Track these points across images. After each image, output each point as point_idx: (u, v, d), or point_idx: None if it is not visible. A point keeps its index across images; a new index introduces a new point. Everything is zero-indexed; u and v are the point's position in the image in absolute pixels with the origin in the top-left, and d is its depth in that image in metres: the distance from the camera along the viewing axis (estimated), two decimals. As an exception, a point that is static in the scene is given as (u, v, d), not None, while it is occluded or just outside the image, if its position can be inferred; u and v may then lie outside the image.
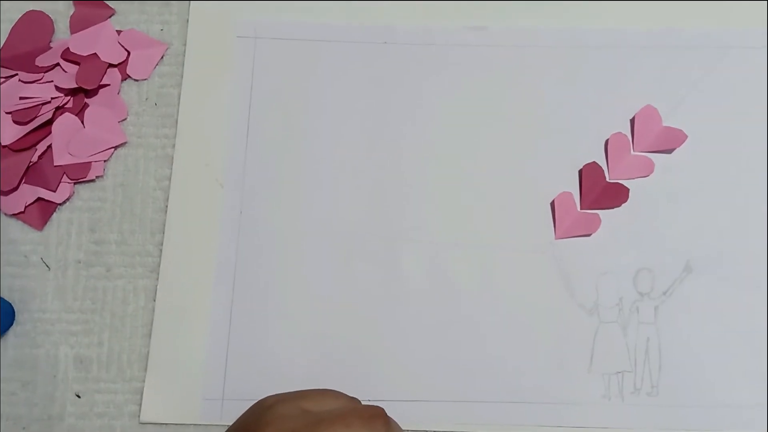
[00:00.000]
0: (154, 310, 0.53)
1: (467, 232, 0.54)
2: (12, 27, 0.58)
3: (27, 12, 0.58)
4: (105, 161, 0.56)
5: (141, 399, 0.52)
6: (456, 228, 0.54)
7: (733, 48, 0.57)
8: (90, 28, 0.58)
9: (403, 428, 0.42)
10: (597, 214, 0.54)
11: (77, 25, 0.58)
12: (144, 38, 0.58)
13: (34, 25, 0.58)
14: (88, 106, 0.57)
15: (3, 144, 0.55)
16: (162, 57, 0.58)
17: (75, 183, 0.56)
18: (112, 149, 0.56)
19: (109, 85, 0.57)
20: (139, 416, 0.52)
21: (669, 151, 0.55)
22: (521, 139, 0.56)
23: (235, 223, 0.55)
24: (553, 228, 0.54)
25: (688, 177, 0.55)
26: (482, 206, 0.55)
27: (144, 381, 0.52)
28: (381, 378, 0.52)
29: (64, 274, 0.54)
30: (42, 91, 0.56)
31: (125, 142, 0.56)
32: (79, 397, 0.52)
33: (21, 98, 0.56)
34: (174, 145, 0.56)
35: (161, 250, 0.54)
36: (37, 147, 0.56)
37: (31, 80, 0.56)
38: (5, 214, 0.55)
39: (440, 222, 0.54)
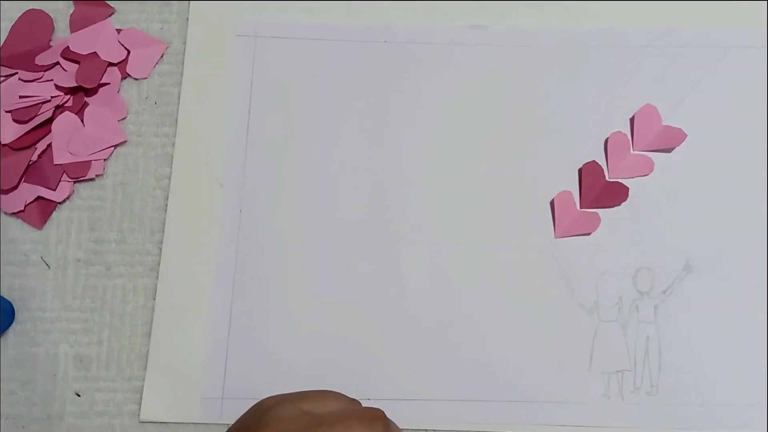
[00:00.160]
0: (153, 309, 0.53)
1: (467, 232, 0.54)
2: (12, 26, 0.58)
3: (27, 11, 0.58)
4: (105, 160, 0.56)
5: (141, 398, 0.52)
6: (456, 228, 0.54)
7: (733, 48, 0.57)
8: (90, 27, 0.58)
9: (404, 427, 0.42)
10: (597, 213, 0.54)
11: (77, 23, 0.58)
12: (144, 37, 0.58)
13: (34, 24, 0.58)
14: (87, 104, 0.57)
15: (3, 143, 0.55)
16: (162, 56, 0.58)
17: (75, 182, 0.56)
18: (112, 148, 0.56)
19: (108, 83, 0.57)
20: (138, 415, 0.52)
21: (669, 150, 0.55)
22: (521, 138, 0.56)
23: (235, 223, 0.55)
24: (552, 227, 0.54)
25: (688, 176, 0.55)
26: (482, 206, 0.55)
27: (144, 380, 0.52)
28: (381, 378, 0.52)
29: (64, 273, 0.54)
30: (42, 90, 0.56)
31: (125, 141, 0.56)
32: (78, 396, 0.52)
33: (21, 97, 0.56)
34: (174, 144, 0.56)
35: (161, 249, 0.54)
36: (37, 146, 0.56)
37: (31, 79, 0.56)
38: (5, 213, 0.55)
39: (440, 222, 0.54)
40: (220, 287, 0.54)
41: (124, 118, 0.57)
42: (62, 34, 0.58)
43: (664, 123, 0.56)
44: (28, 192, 0.55)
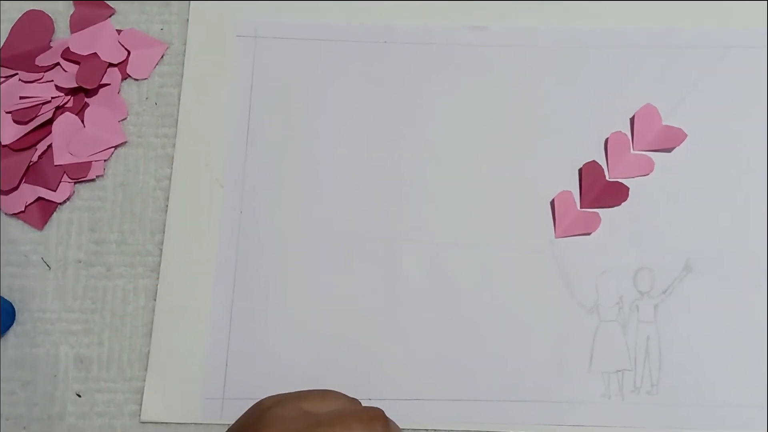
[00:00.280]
0: (154, 310, 0.53)
1: (467, 232, 0.54)
2: (12, 27, 0.58)
3: (27, 11, 0.58)
4: (105, 161, 0.56)
5: (141, 398, 0.52)
6: (456, 228, 0.54)
7: (733, 48, 0.57)
8: (90, 28, 0.58)
9: (404, 427, 0.42)
10: (597, 213, 0.54)
11: (77, 24, 0.58)
12: (144, 38, 0.58)
13: (34, 25, 0.58)
14: (88, 105, 0.57)
15: (3, 143, 0.55)
16: (162, 56, 0.58)
17: (75, 182, 0.56)
18: (112, 149, 0.56)
19: (109, 84, 0.57)
20: (139, 415, 0.52)
21: (669, 150, 0.55)
22: (521, 138, 0.56)
23: (235, 223, 0.55)
24: (552, 227, 0.54)
25: (688, 176, 0.55)
26: (482, 206, 0.55)
27: (144, 380, 0.52)
28: (381, 378, 0.52)
29: (65, 274, 0.54)
30: (42, 91, 0.56)
31: (125, 142, 0.56)
32: (79, 396, 0.52)
33: (21, 98, 0.56)
34: (174, 145, 0.56)
35: (161, 250, 0.54)
36: (38, 146, 0.56)
37: (31, 80, 0.56)
38: (5, 214, 0.55)
39: (440, 222, 0.54)
40: (220, 288, 0.54)
41: (124, 119, 0.57)
42: (62, 34, 0.59)
43: (664, 123, 0.56)
44: (28, 193, 0.55)
